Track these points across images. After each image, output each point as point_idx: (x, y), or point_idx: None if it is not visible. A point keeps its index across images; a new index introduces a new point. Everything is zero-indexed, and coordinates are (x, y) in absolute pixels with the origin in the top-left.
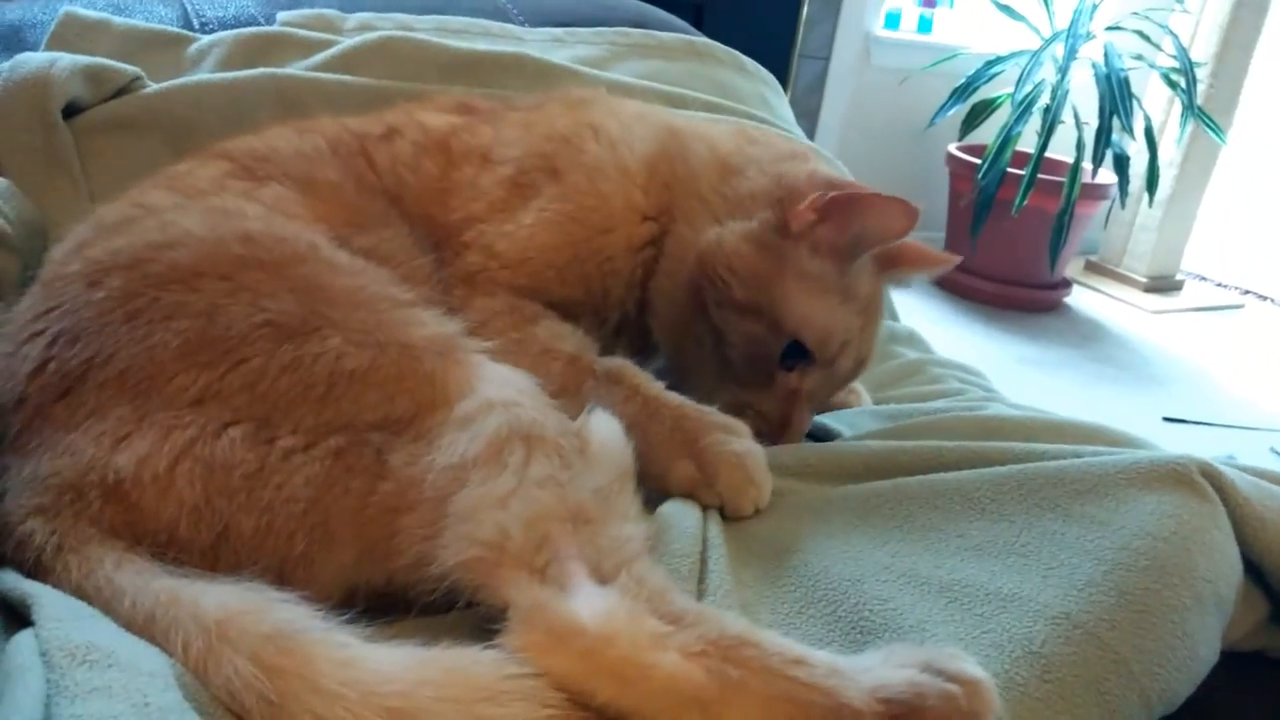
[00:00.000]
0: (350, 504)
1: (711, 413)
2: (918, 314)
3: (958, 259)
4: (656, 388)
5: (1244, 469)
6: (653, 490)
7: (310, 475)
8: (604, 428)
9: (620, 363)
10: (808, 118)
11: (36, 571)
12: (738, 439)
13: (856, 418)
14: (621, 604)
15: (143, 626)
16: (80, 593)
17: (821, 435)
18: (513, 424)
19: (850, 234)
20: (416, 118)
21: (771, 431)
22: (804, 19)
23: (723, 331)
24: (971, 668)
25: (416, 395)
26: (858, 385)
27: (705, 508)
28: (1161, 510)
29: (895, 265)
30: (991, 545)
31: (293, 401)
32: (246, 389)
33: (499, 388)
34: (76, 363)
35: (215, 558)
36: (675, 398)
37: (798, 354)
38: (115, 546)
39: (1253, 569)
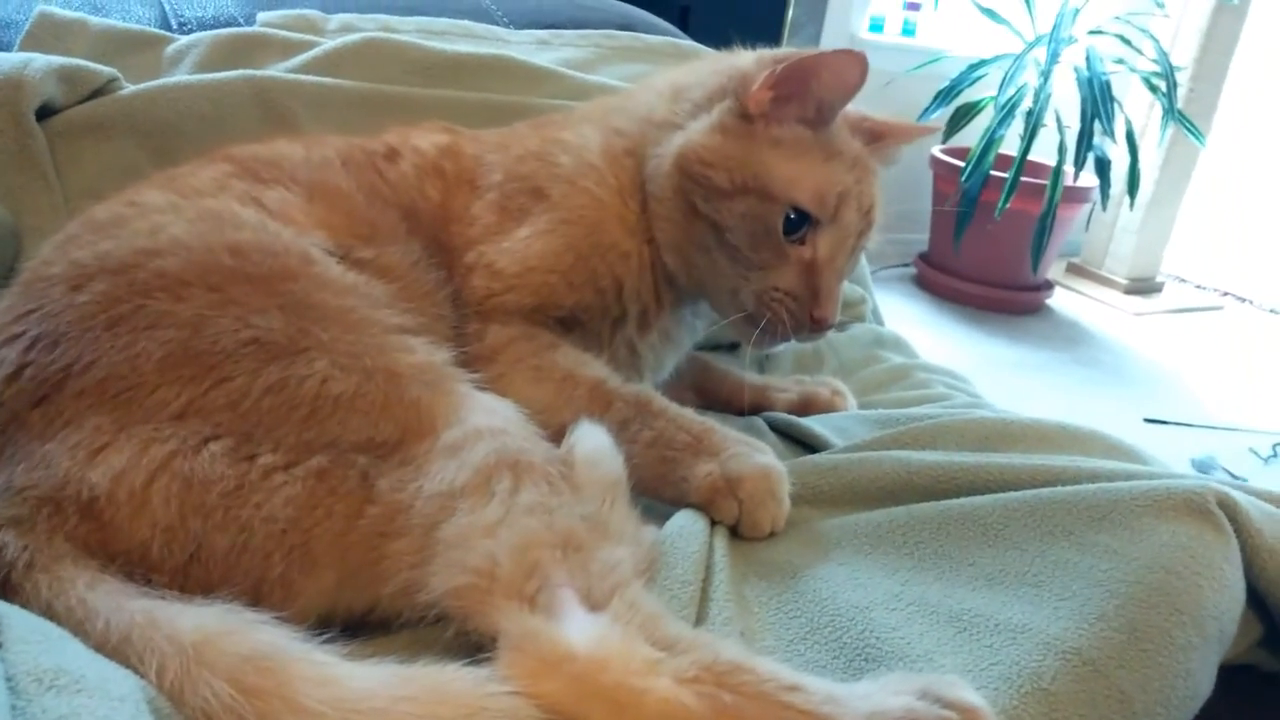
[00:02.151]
0: (334, 527)
1: (735, 432)
2: (900, 315)
3: (939, 127)
4: (682, 409)
5: (1255, 493)
6: (652, 502)
7: (291, 495)
8: (590, 440)
9: (643, 388)
10: None
11: (4, 589)
12: (761, 454)
13: (845, 422)
14: (613, 630)
15: (116, 649)
16: (50, 612)
17: (811, 443)
18: (500, 452)
19: (811, 100)
20: (411, 142)
21: (806, 307)
22: (789, 22)
23: (719, 222)
24: (970, 695)
25: (402, 422)
26: (843, 388)
27: (715, 525)
28: (1176, 542)
29: (880, 139)
30: (1003, 574)
31: (276, 421)
32: (229, 407)
33: (486, 416)
34: (55, 369)
35: (186, 577)
36: (700, 418)
37: (800, 222)
38: (89, 565)
39: (1253, 593)
